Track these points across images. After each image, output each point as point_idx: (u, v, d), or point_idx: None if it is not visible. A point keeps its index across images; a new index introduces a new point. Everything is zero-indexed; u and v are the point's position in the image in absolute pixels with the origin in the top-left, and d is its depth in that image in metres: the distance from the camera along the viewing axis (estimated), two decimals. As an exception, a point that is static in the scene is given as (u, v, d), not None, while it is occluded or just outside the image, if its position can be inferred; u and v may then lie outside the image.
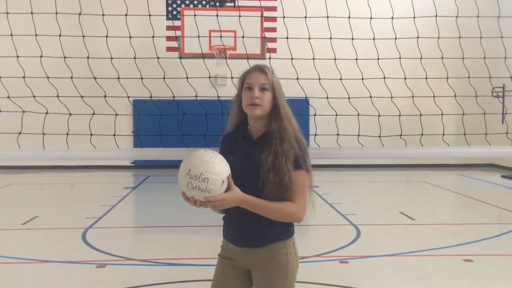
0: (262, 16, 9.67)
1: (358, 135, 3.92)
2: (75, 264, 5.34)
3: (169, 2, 12.96)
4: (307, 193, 2.29)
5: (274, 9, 11.59)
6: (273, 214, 2.21)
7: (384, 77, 4.35)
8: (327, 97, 4.13)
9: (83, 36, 4.12)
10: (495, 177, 12.25)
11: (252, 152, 2.27)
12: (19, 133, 3.68)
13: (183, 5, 12.84)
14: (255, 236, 2.27)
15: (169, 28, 11.77)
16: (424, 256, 5.64)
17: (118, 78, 3.98)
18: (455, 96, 4.44)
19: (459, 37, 4.32)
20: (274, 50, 9.87)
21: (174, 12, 12.87)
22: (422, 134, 3.90)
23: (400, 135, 4.04)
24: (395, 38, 4.26)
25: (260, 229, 2.26)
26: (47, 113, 3.97)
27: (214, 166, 2.07)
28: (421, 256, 5.62)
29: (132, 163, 13.78)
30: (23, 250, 5.85)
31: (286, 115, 2.28)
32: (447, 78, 4.37)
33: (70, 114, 3.94)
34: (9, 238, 6.56)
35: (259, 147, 2.26)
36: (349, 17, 4.09)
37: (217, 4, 11.31)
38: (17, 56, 4.10)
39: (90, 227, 6.90)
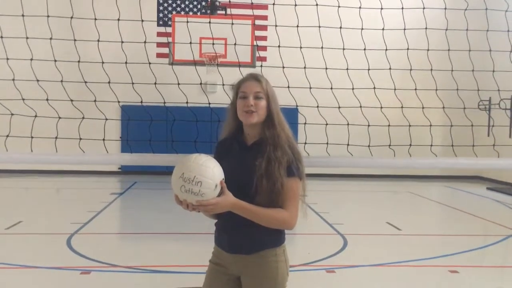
0: (253, 24, 9.71)
1: (348, 144, 3.94)
2: (59, 270, 5.27)
3: (160, 8, 12.97)
4: (299, 200, 2.29)
5: (265, 18, 11.65)
6: (264, 220, 2.22)
7: (374, 88, 4.39)
8: (318, 106, 4.15)
9: (74, 40, 4.10)
10: (481, 189, 12.37)
11: (246, 158, 2.28)
12: (7, 136, 3.64)
13: (174, 12, 12.86)
14: (246, 242, 2.27)
15: (159, 34, 11.77)
16: (410, 266, 5.66)
17: (109, 82, 3.97)
18: (443, 107, 4.49)
19: (448, 50, 4.38)
20: (264, 59, 9.89)
21: (165, 19, 12.88)
22: (410, 145, 3.93)
23: (389, 145, 4.07)
24: (386, 49, 4.31)
25: (251, 236, 2.26)
26: (36, 116, 3.93)
27: (208, 170, 2.07)
28: (407, 267, 5.64)
29: (119, 168, 13.68)
30: (7, 255, 5.76)
31: (279, 122, 2.31)
32: (436, 89, 4.42)
33: (59, 118, 3.92)
34: (-7, 242, 6.46)
35: (253, 153, 2.28)
36: (340, 27, 4.12)
37: (208, 11, 11.34)
38: (7, 58, 4.06)
39: (76, 233, 6.82)
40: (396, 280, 5.23)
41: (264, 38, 11.81)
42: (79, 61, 4.12)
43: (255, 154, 2.26)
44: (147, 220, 7.96)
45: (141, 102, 4.36)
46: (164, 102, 4.21)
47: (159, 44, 11.45)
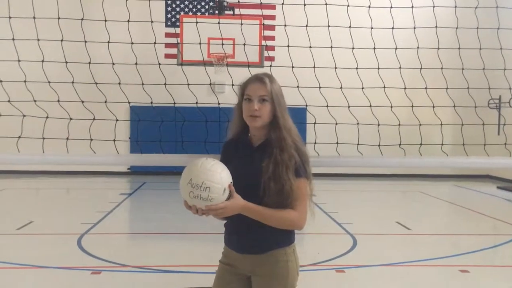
0: (261, 24, 9.71)
1: (358, 144, 3.92)
2: (70, 270, 5.30)
3: (168, 9, 13.01)
4: (308, 200, 2.29)
5: (273, 18, 11.64)
6: (274, 222, 2.22)
7: (384, 87, 4.37)
8: (327, 106, 4.14)
9: (85, 42, 4.12)
10: (491, 188, 12.28)
11: (253, 159, 2.28)
12: (19, 137, 3.67)
13: (182, 13, 12.89)
14: (256, 242, 2.28)
15: (167, 35, 11.80)
16: (420, 266, 5.64)
17: (119, 83, 3.98)
18: (454, 106, 4.46)
19: (459, 48, 4.35)
20: (272, 59, 9.88)
21: (173, 19, 12.92)
22: (421, 144, 3.91)
23: (400, 144, 4.05)
24: (396, 48, 4.29)
25: (261, 236, 2.27)
26: (47, 117, 3.96)
27: (215, 175, 2.08)
28: (417, 266, 5.62)
29: (128, 169, 13.73)
30: (18, 255, 5.80)
31: (285, 125, 2.29)
32: (447, 88, 4.39)
33: (71, 119, 3.93)
34: (4, 243, 6.51)
35: (259, 154, 2.28)
36: (349, 27, 4.10)
37: (216, 12, 11.36)
38: (19, 60, 4.09)
39: (86, 233, 6.86)
40: (406, 279, 5.21)
41: (272, 38, 11.79)
42: (89, 62, 4.14)
43: (262, 155, 2.26)
44: (156, 220, 7.99)
45: (151, 102, 4.38)
46: (174, 103, 4.22)
47: (168, 45, 11.47)
